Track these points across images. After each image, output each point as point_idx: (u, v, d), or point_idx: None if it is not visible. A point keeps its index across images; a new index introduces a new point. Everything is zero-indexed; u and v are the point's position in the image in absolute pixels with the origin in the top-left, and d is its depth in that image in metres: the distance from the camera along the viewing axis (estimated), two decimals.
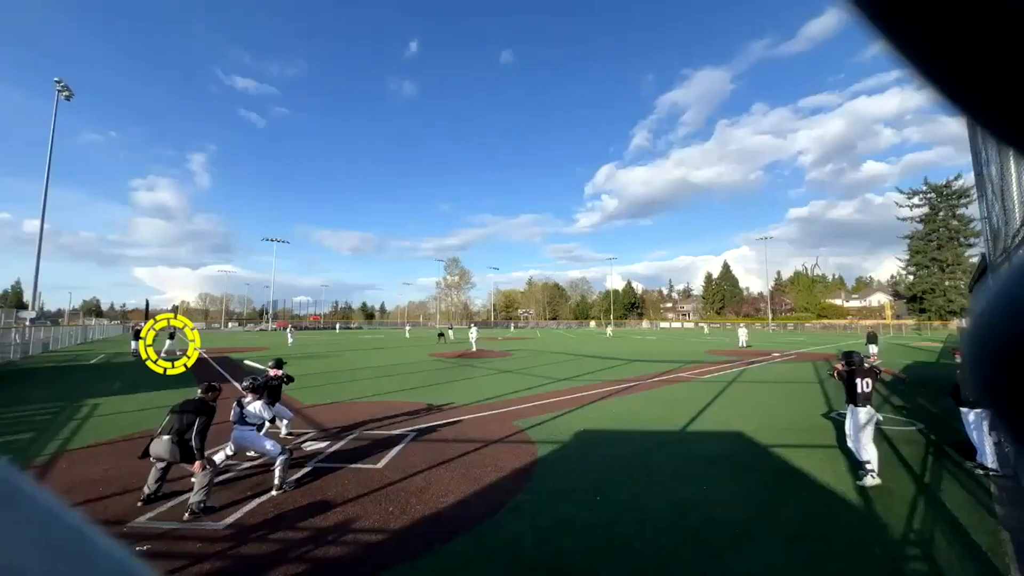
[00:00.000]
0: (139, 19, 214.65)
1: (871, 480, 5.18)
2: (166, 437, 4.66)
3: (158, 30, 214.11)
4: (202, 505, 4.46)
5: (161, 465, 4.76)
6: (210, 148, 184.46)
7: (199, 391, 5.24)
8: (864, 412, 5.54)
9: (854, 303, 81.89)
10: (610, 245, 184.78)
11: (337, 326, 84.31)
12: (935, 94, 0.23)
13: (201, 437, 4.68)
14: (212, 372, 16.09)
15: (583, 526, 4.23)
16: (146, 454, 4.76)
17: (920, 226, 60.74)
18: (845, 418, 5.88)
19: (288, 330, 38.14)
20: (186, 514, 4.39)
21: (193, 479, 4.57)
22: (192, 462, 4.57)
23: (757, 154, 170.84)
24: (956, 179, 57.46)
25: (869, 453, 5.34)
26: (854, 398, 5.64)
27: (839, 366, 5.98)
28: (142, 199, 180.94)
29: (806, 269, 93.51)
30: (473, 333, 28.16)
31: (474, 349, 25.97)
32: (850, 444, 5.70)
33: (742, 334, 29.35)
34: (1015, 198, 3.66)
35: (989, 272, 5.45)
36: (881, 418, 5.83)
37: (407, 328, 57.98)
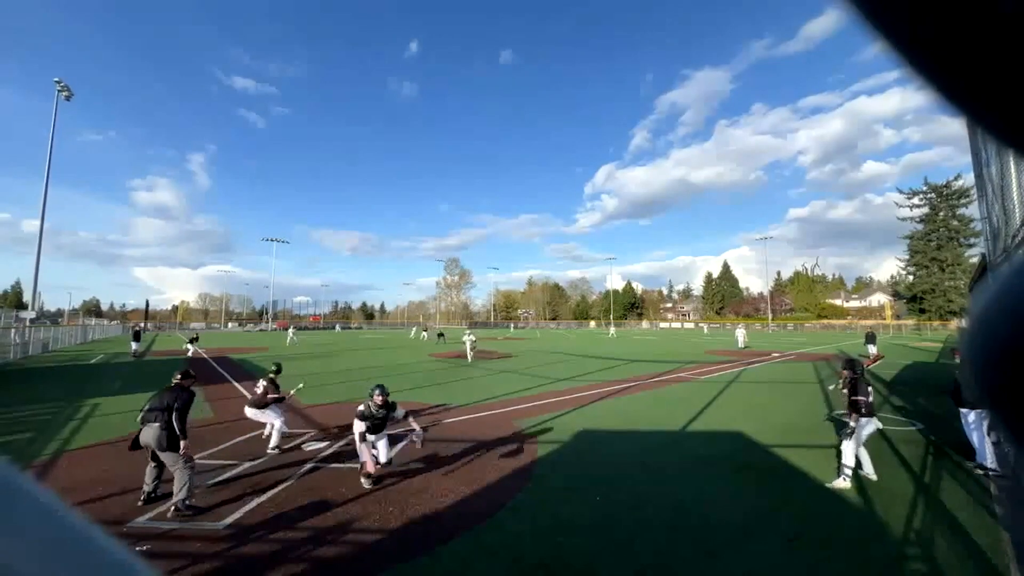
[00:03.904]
0: (139, 19, 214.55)
1: (841, 483, 5.17)
2: (155, 425, 4.68)
3: (158, 30, 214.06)
4: (186, 503, 4.47)
5: (155, 464, 4.77)
6: (210, 148, 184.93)
7: (177, 376, 5.24)
8: (870, 423, 5.51)
9: (854, 303, 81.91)
10: (610, 245, 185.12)
11: (337, 326, 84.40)
12: (935, 94, 0.23)
13: (181, 418, 4.75)
14: (212, 372, 16.09)
15: (583, 526, 4.23)
16: (136, 445, 4.78)
17: (920, 226, 60.80)
18: (851, 426, 5.57)
19: (289, 331, 37.87)
20: (169, 512, 4.43)
21: (174, 469, 4.57)
22: (178, 449, 4.61)
23: (757, 154, 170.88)
24: (956, 179, 57.53)
25: (852, 459, 5.30)
26: (859, 408, 5.44)
27: (844, 372, 5.84)
28: (141, 199, 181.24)
29: (806, 269, 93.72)
30: (468, 339, 20.87)
31: (469, 360, 19.67)
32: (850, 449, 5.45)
33: (740, 335, 28.11)
34: (1015, 198, 3.66)
35: (989, 272, 5.45)
36: (882, 426, 5.80)
37: (415, 329, 49.38)
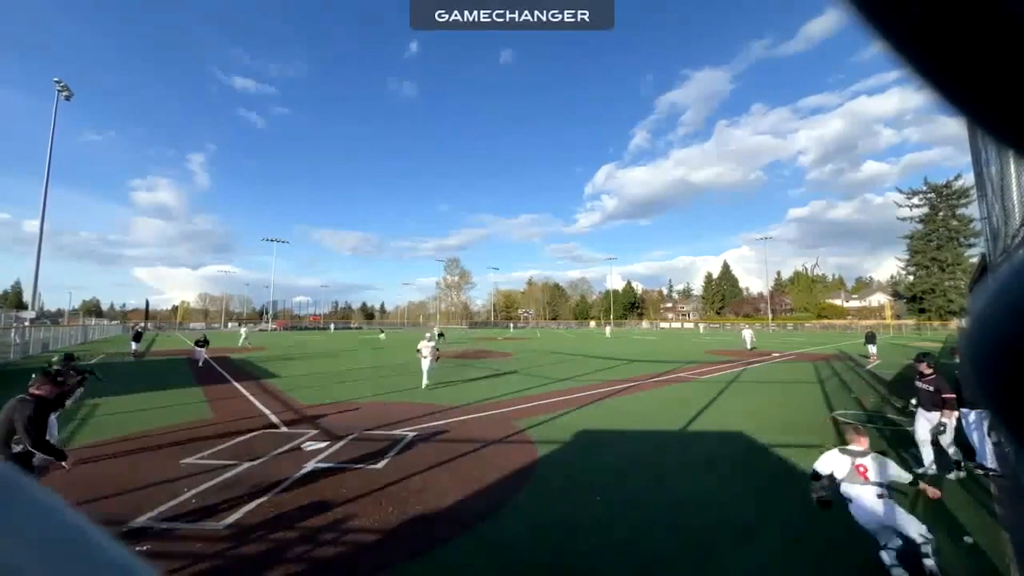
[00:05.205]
0: (138, 19, 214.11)
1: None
2: None
3: (158, 30, 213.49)
4: None
5: None
6: (209, 148, 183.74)
7: (32, 384, 4.11)
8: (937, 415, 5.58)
9: (854, 303, 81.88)
10: (610, 245, 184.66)
11: (332, 326, 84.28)
12: (935, 94, 0.23)
13: (37, 438, 3.70)
14: (212, 372, 16.09)
15: (583, 526, 4.23)
16: None
17: (920, 226, 60.71)
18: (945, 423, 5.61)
19: (242, 329, 34.18)
20: None
21: None
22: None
23: (757, 154, 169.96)
24: (956, 179, 57.45)
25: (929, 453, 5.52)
26: (957, 402, 5.59)
27: (924, 368, 5.80)
28: (142, 199, 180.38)
29: (806, 269, 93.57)
30: (427, 345, 12.75)
31: (425, 382, 12.29)
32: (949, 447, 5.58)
33: (747, 335, 26.60)
34: (1015, 198, 3.65)
35: (989, 272, 5.45)
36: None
37: (429, 333, 41.08)
